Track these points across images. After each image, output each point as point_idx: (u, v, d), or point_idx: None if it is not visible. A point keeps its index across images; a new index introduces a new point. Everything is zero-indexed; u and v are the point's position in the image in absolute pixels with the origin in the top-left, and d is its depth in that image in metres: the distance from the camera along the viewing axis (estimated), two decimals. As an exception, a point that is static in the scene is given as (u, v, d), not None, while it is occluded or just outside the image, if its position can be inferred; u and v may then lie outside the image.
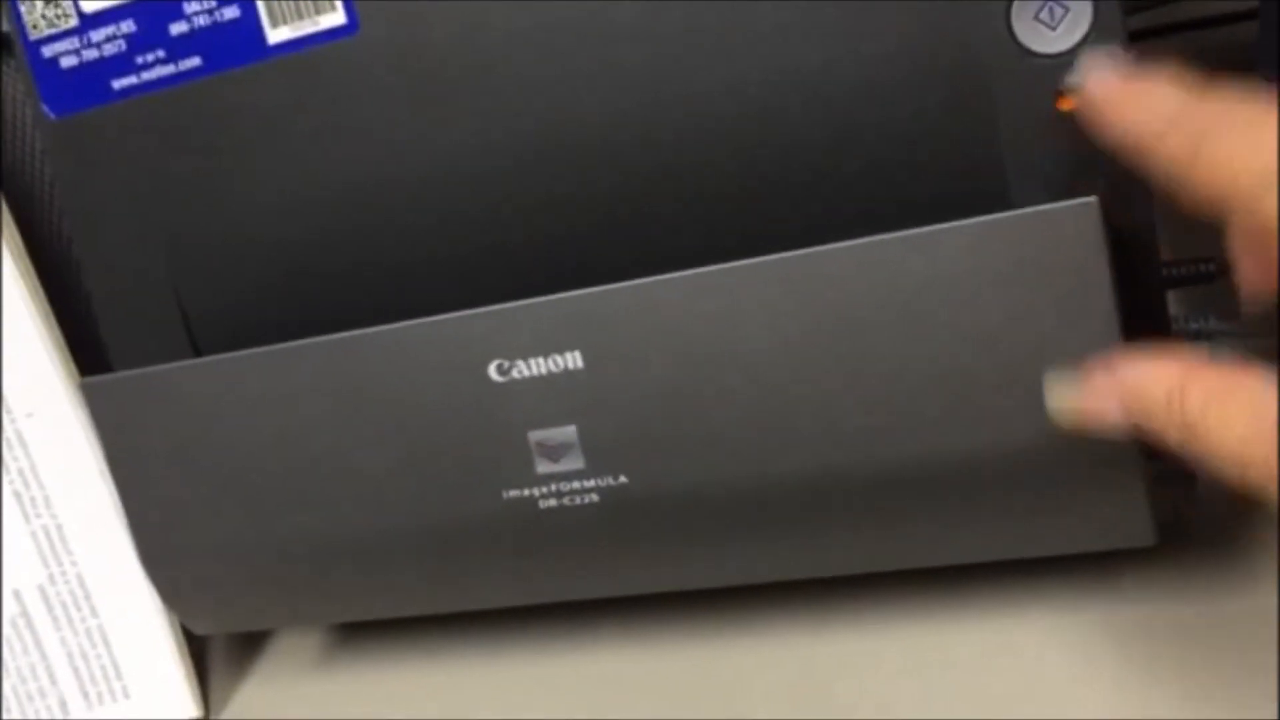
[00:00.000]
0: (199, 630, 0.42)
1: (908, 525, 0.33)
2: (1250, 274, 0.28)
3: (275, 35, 0.36)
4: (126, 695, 0.42)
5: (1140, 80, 0.27)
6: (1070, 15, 0.29)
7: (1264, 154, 0.24)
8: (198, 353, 0.39)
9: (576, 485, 0.34)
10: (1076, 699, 0.32)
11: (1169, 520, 0.31)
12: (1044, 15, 0.29)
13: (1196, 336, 0.36)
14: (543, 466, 0.34)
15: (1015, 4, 0.29)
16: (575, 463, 0.34)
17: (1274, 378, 0.25)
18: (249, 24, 0.36)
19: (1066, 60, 0.29)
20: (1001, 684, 0.33)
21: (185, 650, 0.43)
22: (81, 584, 0.42)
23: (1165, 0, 0.37)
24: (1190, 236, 0.33)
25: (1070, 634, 0.34)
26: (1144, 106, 0.26)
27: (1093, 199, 0.28)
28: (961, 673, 0.34)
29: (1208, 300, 0.36)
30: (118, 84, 0.37)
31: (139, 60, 0.37)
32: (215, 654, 0.45)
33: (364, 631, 0.44)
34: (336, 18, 0.35)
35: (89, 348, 0.41)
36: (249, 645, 0.45)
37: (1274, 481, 0.24)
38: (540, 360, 0.33)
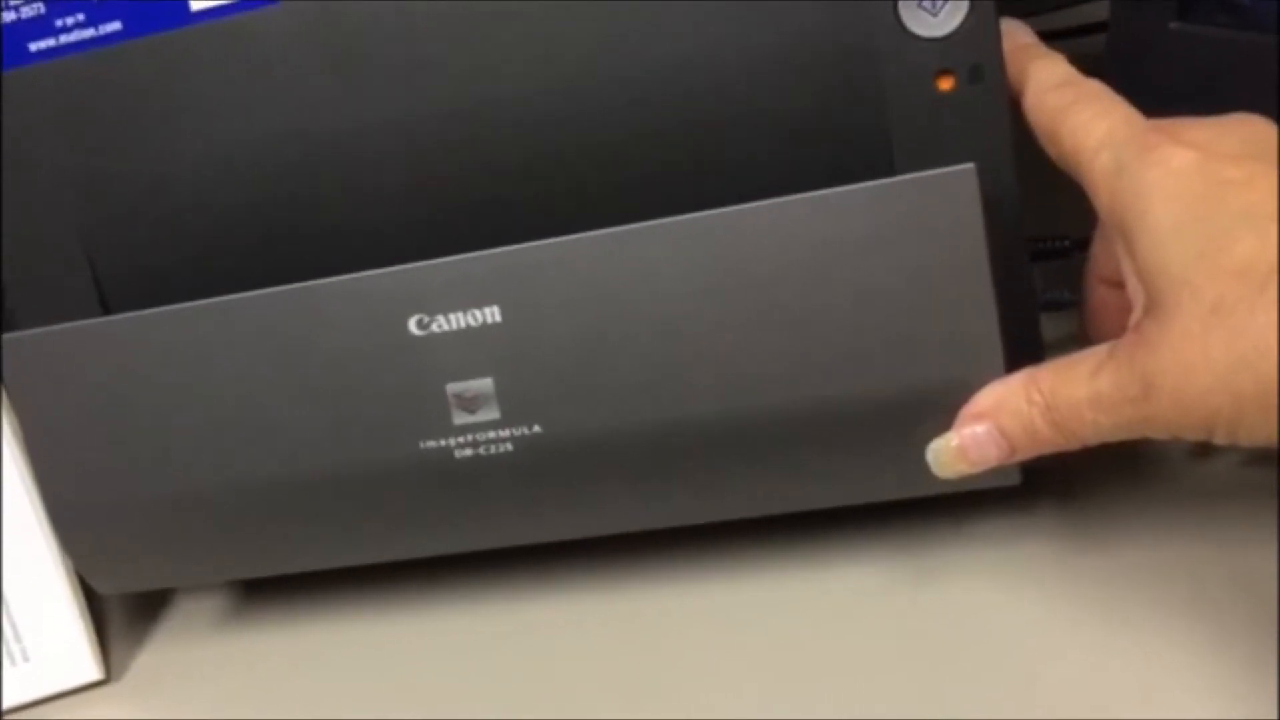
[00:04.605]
0: (106, 590, 0.42)
1: (805, 468, 0.35)
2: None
3: (198, 3, 0.37)
4: (26, 659, 0.42)
5: (1046, 49, 0.34)
6: (950, 4, 0.32)
7: (1105, 125, 0.31)
8: (107, 312, 0.39)
9: (492, 435, 0.36)
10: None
11: (1034, 464, 0.35)
12: (926, 3, 0.33)
13: (1052, 307, 0.40)
14: (459, 418, 0.36)
15: (902, -8, 0.33)
16: (491, 413, 0.35)
17: None
18: (173, -9, 0.37)
19: (945, 44, 0.33)
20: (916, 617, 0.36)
21: (86, 613, 0.43)
22: (-22, 548, 0.42)
23: (1030, 13, 0.41)
24: (1049, 214, 0.37)
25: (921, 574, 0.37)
26: (1046, 66, 0.33)
27: (970, 165, 0.31)
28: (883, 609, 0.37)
29: (1063, 274, 0.40)
30: (34, 46, 0.38)
31: (58, 24, 0.38)
32: (115, 617, 0.45)
33: (265, 593, 0.44)
34: (261, -13, 0.36)
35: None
36: (149, 607, 0.45)
37: None
38: (460, 315, 0.35)
